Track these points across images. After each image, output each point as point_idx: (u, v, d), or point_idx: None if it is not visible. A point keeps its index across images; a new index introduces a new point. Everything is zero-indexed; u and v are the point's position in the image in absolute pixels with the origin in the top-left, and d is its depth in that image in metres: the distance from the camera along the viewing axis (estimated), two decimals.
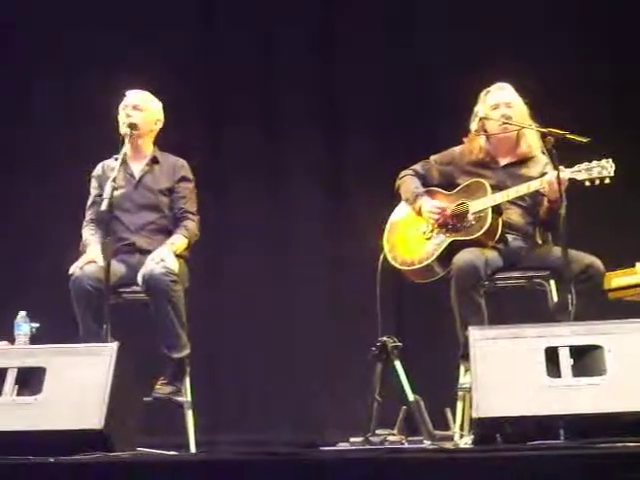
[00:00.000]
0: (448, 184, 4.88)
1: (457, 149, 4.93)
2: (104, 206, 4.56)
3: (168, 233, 4.99)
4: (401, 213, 4.94)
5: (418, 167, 4.96)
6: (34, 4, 6.37)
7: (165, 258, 4.77)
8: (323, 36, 6.44)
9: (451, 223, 4.74)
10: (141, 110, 5.02)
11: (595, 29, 6.04)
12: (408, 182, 4.92)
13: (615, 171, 4.41)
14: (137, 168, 5.06)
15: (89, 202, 5.11)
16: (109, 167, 5.04)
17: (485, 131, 4.80)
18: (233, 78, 6.38)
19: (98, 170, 5.12)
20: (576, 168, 4.46)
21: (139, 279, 4.76)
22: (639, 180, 5.71)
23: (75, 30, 6.26)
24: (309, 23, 6.42)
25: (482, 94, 4.83)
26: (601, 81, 6.02)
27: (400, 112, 6.18)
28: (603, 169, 4.42)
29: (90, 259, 4.79)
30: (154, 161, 5.09)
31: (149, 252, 4.87)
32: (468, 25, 6.11)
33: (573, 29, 6.07)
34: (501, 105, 4.74)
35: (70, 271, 4.78)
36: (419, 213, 4.82)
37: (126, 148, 4.88)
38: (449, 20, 6.19)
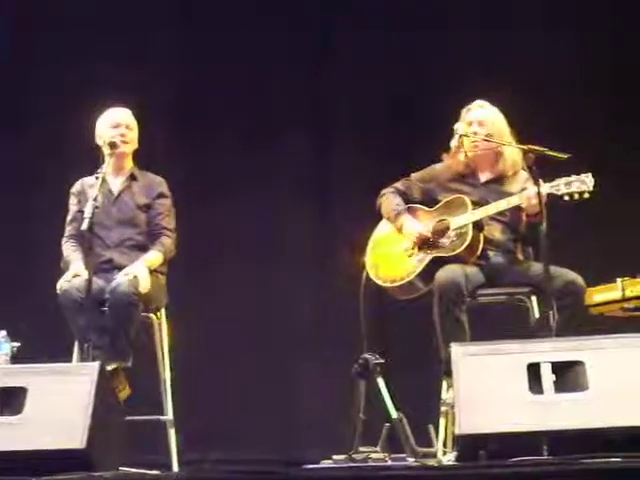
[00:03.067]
0: (429, 201, 4.89)
1: (438, 166, 4.94)
2: (85, 225, 4.52)
3: (145, 249, 4.96)
4: (383, 230, 4.95)
5: (399, 185, 4.97)
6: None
7: (139, 276, 4.73)
8: (314, 47, 6.46)
9: (432, 240, 4.75)
10: (131, 129, 5.06)
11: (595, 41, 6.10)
12: (389, 200, 4.93)
13: (595, 186, 4.42)
14: (116, 184, 5.06)
15: (69, 218, 5.09)
16: (88, 184, 5.05)
17: (465, 148, 4.82)
18: (221, 87, 6.36)
19: (77, 187, 5.12)
20: (555, 183, 4.46)
21: (108, 288, 4.72)
22: (621, 195, 5.74)
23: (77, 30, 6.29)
24: (300, 34, 6.43)
25: (463, 111, 4.85)
26: (590, 97, 6.05)
27: (386, 128, 6.20)
28: (582, 184, 4.42)
29: (76, 273, 4.77)
30: (132, 178, 5.09)
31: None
32: (456, 37, 6.15)
33: (572, 41, 6.11)
34: (474, 123, 4.77)
35: (58, 286, 4.74)
36: (400, 231, 4.84)
37: (107, 165, 4.89)
38: (436, 31, 6.21)
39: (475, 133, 4.74)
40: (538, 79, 5.94)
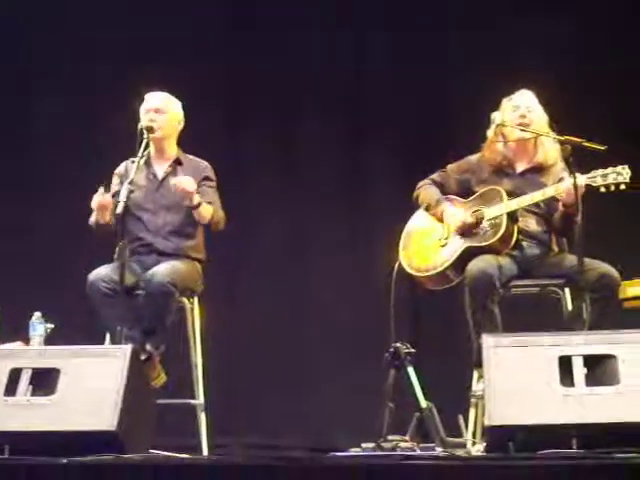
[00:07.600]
0: (465, 192, 4.86)
1: (474, 157, 4.92)
2: (119, 209, 4.55)
3: (187, 236, 4.97)
4: (417, 221, 4.94)
5: (435, 176, 4.95)
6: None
7: (175, 264, 4.76)
8: (347, 45, 6.45)
9: (467, 230, 4.73)
10: (163, 112, 5.02)
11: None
12: (427, 189, 4.92)
13: (631, 177, 4.40)
14: (160, 169, 5.05)
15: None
16: (131, 166, 5.06)
17: (503, 137, 4.79)
18: (255, 86, 6.37)
19: (121, 168, 5.09)
20: (592, 174, 4.45)
21: (144, 277, 4.75)
22: None
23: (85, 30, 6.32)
24: (338, 38, 6.43)
25: (504, 100, 4.82)
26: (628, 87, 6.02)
27: (421, 120, 6.18)
28: (619, 175, 4.41)
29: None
30: (177, 162, 5.08)
31: (166, 254, 4.88)
32: (492, 32, 6.09)
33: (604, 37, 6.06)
34: (522, 107, 4.74)
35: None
36: (440, 217, 4.82)
37: (148, 150, 4.87)
38: (472, 27, 6.17)
39: (523, 116, 4.71)
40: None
